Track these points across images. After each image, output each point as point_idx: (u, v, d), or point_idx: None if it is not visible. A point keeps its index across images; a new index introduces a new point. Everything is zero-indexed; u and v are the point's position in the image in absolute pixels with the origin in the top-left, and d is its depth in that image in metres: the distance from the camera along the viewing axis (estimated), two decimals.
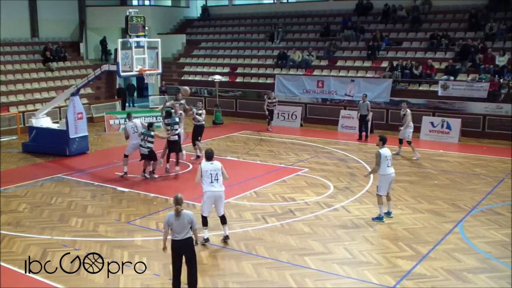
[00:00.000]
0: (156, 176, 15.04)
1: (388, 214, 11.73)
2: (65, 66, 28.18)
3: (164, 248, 8.19)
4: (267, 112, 22.79)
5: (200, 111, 17.10)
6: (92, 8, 31.91)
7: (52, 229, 11.21)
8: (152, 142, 14.68)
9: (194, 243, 8.19)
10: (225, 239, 10.41)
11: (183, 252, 8.02)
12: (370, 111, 20.28)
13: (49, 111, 19.63)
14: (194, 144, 17.05)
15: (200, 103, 18.01)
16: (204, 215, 10.28)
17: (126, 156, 15.35)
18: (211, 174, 10.04)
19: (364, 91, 21.84)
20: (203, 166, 10.13)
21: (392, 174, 11.56)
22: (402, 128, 17.46)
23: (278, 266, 9.38)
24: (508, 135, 19.67)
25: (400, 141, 17.79)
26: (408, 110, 17.51)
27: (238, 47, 30.39)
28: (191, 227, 8.03)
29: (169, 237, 8.13)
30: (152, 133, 14.67)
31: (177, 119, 15.41)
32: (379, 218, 11.57)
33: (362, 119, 20.26)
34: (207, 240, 10.29)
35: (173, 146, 15.37)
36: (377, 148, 11.61)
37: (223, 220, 10.40)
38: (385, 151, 11.38)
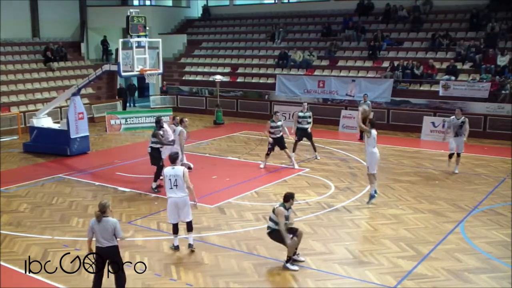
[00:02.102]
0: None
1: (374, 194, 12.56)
2: (66, 66, 28.19)
3: (89, 249, 8.09)
4: (295, 135, 16.97)
5: (278, 123, 15.87)
6: (93, 8, 31.92)
7: (53, 229, 11.22)
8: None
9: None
10: (189, 246, 9.96)
11: (108, 259, 7.90)
12: (371, 111, 20.22)
13: (50, 111, 19.63)
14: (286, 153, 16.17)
15: (278, 113, 16.53)
16: (169, 222, 10.07)
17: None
18: (169, 179, 9.68)
19: (365, 91, 21.82)
20: (165, 171, 9.86)
21: (378, 154, 12.51)
22: (453, 138, 15.25)
23: (279, 266, 9.37)
24: (509, 135, 19.64)
25: (451, 156, 15.43)
26: (466, 118, 15.30)
27: (239, 47, 30.38)
28: (115, 236, 7.84)
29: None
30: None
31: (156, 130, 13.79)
32: (372, 197, 12.44)
33: (363, 119, 20.20)
34: (176, 247, 10.02)
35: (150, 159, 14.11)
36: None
37: (188, 227, 9.96)
38: (375, 132, 12.41)
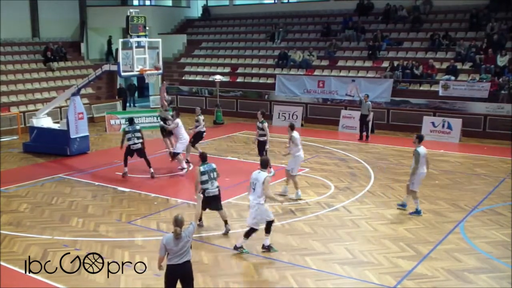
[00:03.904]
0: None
1: (403, 206, 12.30)
2: (66, 66, 28.19)
3: (160, 267, 7.30)
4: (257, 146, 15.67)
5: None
6: (93, 8, 31.91)
7: (53, 229, 11.22)
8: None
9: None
10: (262, 247, 9.96)
11: (180, 277, 7.23)
12: (371, 112, 20.23)
13: (50, 111, 19.63)
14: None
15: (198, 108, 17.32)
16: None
17: (177, 154, 15.50)
18: (252, 182, 9.80)
19: (365, 91, 21.77)
20: (252, 174, 9.91)
21: (425, 173, 11.99)
22: None
23: (279, 266, 9.38)
24: (509, 135, 19.64)
25: None
26: None
27: (238, 47, 30.38)
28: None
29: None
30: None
31: (137, 127, 14.99)
32: (417, 212, 11.91)
33: (363, 119, 20.25)
34: (265, 247, 9.95)
35: (136, 154, 15.09)
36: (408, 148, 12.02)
37: (265, 228, 9.89)
38: (422, 149, 11.81)
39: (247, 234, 9.87)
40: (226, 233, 10.78)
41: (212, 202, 10.71)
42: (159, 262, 7.26)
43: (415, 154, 11.74)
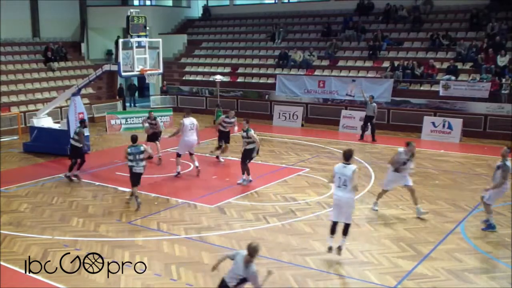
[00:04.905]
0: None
1: (490, 227, 11.00)
2: (66, 66, 28.20)
3: (214, 268, 7.49)
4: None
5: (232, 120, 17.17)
6: (93, 8, 31.92)
7: (53, 229, 11.22)
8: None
9: None
10: (339, 249, 9.52)
11: None
12: (375, 113, 19.95)
13: (50, 111, 19.64)
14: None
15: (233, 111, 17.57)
16: (329, 219, 9.93)
17: (179, 155, 15.25)
18: (339, 178, 9.28)
19: (365, 91, 21.77)
20: (335, 168, 9.38)
21: (508, 188, 10.95)
22: None
23: (279, 266, 9.37)
24: (509, 135, 19.60)
25: None
26: None
27: (239, 47, 30.39)
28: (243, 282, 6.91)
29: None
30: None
31: (77, 130, 14.86)
32: (491, 227, 10.90)
33: (368, 120, 20.06)
34: (329, 249, 9.59)
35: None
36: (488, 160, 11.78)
37: (344, 230, 9.56)
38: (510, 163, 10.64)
39: (345, 232, 9.63)
40: (138, 207, 12.27)
41: (136, 178, 12.32)
42: (217, 263, 7.43)
43: (504, 168, 10.47)
